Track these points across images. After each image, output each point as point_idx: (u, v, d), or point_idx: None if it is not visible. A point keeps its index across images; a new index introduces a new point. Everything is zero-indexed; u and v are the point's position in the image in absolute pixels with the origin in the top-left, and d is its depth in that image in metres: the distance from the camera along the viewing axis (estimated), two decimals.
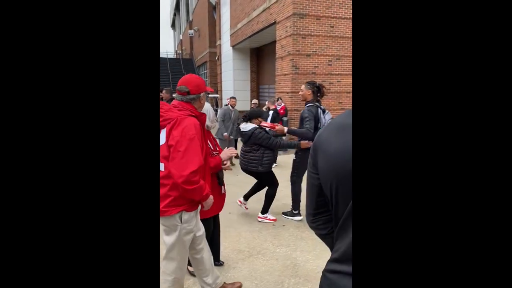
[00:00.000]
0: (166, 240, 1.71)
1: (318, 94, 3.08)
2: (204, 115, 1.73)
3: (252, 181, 3.45)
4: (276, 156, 6.17)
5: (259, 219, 3.40)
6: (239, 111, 6.80)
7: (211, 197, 1.71)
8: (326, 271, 0.75)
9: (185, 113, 1.62)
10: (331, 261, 0.74)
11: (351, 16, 8.22)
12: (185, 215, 1.65)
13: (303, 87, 3.15)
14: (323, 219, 0.83)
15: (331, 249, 0.84)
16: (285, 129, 3.15)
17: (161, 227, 1.70)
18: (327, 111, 3.16)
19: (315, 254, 2.67)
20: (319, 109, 3.06)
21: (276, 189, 3.34)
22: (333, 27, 8.25)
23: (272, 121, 5.86)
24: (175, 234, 1.66)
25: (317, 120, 2.98)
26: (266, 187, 3.36)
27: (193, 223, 1.70)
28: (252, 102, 6.66)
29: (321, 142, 0.75)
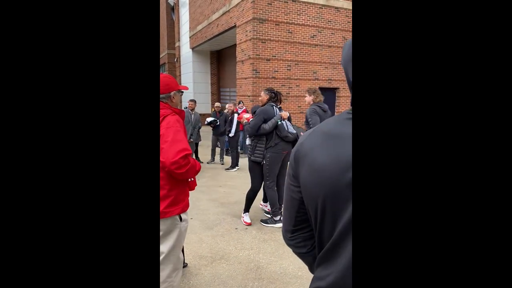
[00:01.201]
0: (161, 247, 1.65)
1: (275, 99, 3.39)
2: (183, 112, 1.77)
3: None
4: (238, 157, 6.22)
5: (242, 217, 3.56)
6: (200, 114, 6.72)
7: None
8: None
9: (166, 111, 1.64)
10: None
11: (309, 23, 8.57)
12: (183, 214, 1.70)
13: (262, 93, 3.47)
14: (302, 236, 0.76)
15: (310, 268, 0.78)
16: (245, 121, 3.61)
17: None
18: (282, 109, 3.48)
19: (278, 255, 2.71)
20: (274, 107, 3.31)
21: (255, 193, 3.41)
22: (291, 32, 8.50)
23: (237, 123, 6.11)
24: (174, 235, 1.65)
25: (271, 116, 3.26)
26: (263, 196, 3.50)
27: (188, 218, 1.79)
28: (215, 106, 6.78)
29: (305, 152, 0.66)
